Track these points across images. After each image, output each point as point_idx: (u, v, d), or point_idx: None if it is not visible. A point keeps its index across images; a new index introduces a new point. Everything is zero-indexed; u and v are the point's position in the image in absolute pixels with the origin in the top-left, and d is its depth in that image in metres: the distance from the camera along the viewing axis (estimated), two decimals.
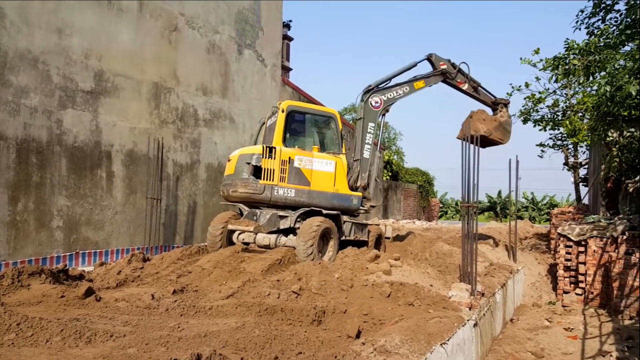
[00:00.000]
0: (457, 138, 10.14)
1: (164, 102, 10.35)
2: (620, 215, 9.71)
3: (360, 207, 8.65)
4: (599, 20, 8.74)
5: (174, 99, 10.58)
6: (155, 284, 5.97)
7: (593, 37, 8.70)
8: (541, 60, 13.38)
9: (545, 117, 14.18)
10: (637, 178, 10.20)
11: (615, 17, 8.60)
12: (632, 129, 10.31)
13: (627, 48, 8.22)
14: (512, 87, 13.58)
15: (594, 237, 9.07)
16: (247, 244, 7.94)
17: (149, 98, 10.00)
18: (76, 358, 3.30)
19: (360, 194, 8.52)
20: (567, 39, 9.49)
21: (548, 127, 14.33)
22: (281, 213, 7.81)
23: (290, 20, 26.14)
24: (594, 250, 9.03)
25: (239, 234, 7.98)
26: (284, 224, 7.80)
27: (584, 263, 9.14)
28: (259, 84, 13.03)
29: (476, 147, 6.51)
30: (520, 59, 13.51)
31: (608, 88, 7.54)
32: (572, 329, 7.71)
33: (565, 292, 9.39)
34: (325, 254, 7.66)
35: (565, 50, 9.62)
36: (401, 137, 37.55)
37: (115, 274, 6.42)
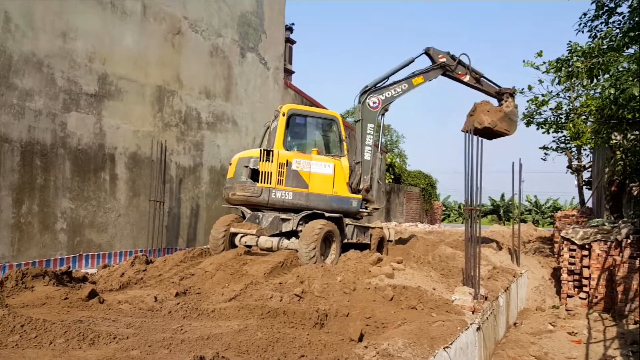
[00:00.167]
0: (462, 131, 10.03)
1: (167, 105, 10.39)
2: (625, 219, 9.67)
3: (361, 210, 8.63)
4: (602, 23, 8.73)
5: (177, 102, 10.62)
6: (158, 287, 5.99)
7: (596, 39, 8.69)
8: (544, 62, 13.40)
9: (549, 119, 14.18)
10: None
11: (619, 20, 8.59)
12: (637, 132, 10.28)
13: (630, 50, 8.21)
14: (515, 90, 13.56)
15: (597, 241, 9.03)
16: (249, 246, 7.95)
17: (152, 101, 10.04)
18: None
19: (360, 196, 8.50)
20: (569, 41, 9.51)
21: (551, 130, 14.32)
22: (283, 216, 7.81)
23: (293, 24, 26.25)
24: (598, 254, 8.98)
25: (242, 236, 7.99)
26: (286, 227, 7.80)
27: (588, 267, 9.09)
28: (262, 87, 13.06)
29: (479, 144, 6.46)
30: (523, 61, 13.53)
31: (612, 90, 7.53)
32: (576, 333, 7.67)
33: (569, 296, 9.34)
34: (327, 257, 7.65)
35: (569, 53, 9.62)
36: (403, 139, 37.49)
37: (119, 276, 6.43)
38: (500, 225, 24.75)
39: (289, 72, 23.89)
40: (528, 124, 14.50)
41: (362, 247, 8.53)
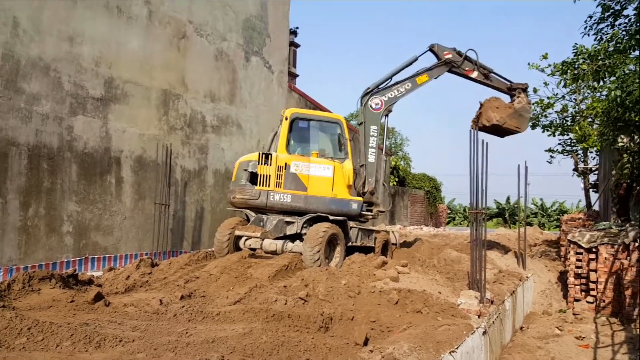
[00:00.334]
0: (471, 128, 9.82)
1: (173, 109, 10.45)
2: (632, 222, 9.59)
3: (365, 213, 8.61)
4: (608, 25, 8.70)
5: (183, 105, 10.67)
6: (163, 289, 6.00)
7: (602, 42, 8.66)
8: (549, 65, 13.33)
9: (554, 122, 14.10)
10: None
11: (625, 23, 8.56)
12: None
13: (637, 53, 8.18)
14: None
15: (605, 244, 8.95)
16: (253, 249, 7.96)
17: (157, 105, 10.10)
18: None
19: (360, 198, 8.44)
20: (575, 43, 9.46)
21: (557, 133, 14.24)
22: (288, 219, 7.82)
23: (297, 27, 26.29)
24: (605, 258, 8.91)
25: (246, 239, 8.00)
26: (290, 230, 7.81)
27: (595, 270, 9.02)
28: (266, 91, 13.10)
29: (485, 146, 6.42)
30: (529, 64, 13.47)
31: (618, 92, 7.49)
32: (584, 337, 7.60)
33: (576, 300, 9.27)
34: (332, 260, 7.64)
35: (574, 55, 9.58)
36: (408, 142, 37.54)
37: (124, 279, 6.46)
38: (505, 228, 24.62)
39: (293, 76, 23.94)
40: (534, 126, 14.43)
41: (366, 250, 8.51)
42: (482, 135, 8.36)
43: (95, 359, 3.38)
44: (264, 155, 7.79)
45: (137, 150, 9.65)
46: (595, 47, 8.77)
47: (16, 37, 7.65)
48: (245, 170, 7.90)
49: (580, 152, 16.55)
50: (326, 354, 3.87)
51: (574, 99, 14.26)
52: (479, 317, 5.52)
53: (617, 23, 8.64)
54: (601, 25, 8.78)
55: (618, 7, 8.44)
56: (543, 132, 13.97)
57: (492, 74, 9.61)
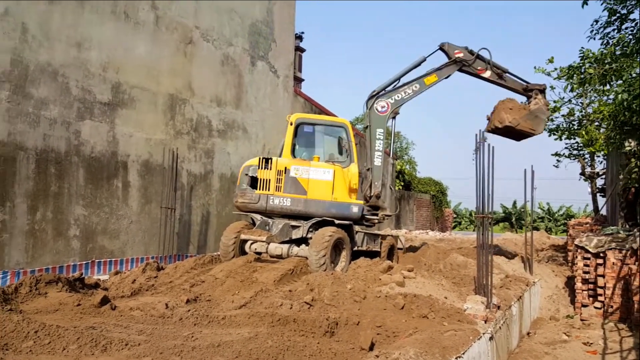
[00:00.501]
0: (485, 130, 9.56)
1: (179, 114, 10.51)
2: None
3: (367, 216, 8.58)
4: (614, 29, 8.66)
5: (189, 110, 10.73)
6: (169, 293, 6.02)
7: (609, 46, 8.61)
8: (555, 69, 13.29)
9: (561, 126, 14.03)
10: None
11: (631, 27, 8.52)
12: None
13: None
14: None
15: (612, 249, 8.88)
16: (259, 253, 7.96)
17: (164, 109, 10.16)
18: None
19: (362, 202, 8.39)
20: (582, 47, 9.41)
21: (564, 137, 14.17)
22: (293, 223, 7.83)
23: (303, 32, 26.42)
24: (613, 263, 8.83)
25: (252, 243, 8.01)
26: (296, 234, 7.81)
27: (603, 276, 8.94)
28: (272, 95, 13.15)
29: (491, 150, 6.38)
30: (535, 67, 13.43)
31: (625, 96, 7.44)
32: (592, 343, 7.53)
33: (584, 306, 9.18)
34: (337, 265, 7.63)
35: (581, 59, 9.53)
36: (414, 146, 37.53)
37: (130, 282, 6.48)
38: (512, 233, 24.50)
39: (298, 80, 24.05)
40: None
41: (372, 254, 8.49)
42: (489, 139, 8.28)
43: None
44: (264, 159, 7.99)
45: (143, 155, 9.70)
46: (602, 51, 8.73)
47: (25, 43, 7.74)
48: (247, 174, 8.11)
49: (587, 156, 16.45)
50: (332, 358, 3.86)
51: (580, 102, 14.19)
52: (485, 322, 5.48)
53: (623, 27, 8.59)
54: (607, 30, 8.74)
55: (624, 11, 8.40)
56: (549, 135, 13.90)
57: (507, 74, 9.25)
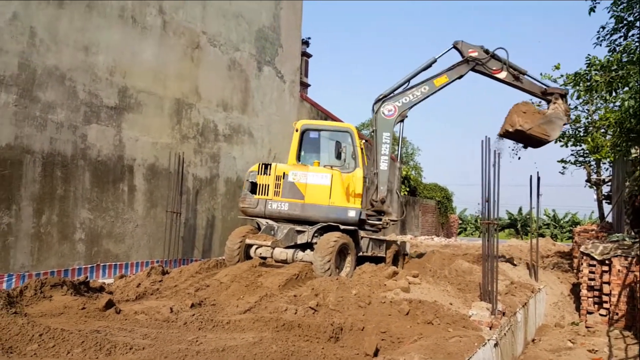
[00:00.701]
0: (498, 135, 9.02)
1: (186, 118, 10.56)
2: None
3: (375, 222, 8.57)
4: (621, 37, 8.63)
5: (195, 114, 10.78)
6: (173, 297, 6.02)
7: (615, 53, 8.58)
8: (562, 75, 13.27)
9: (567, 133, 13.98)
10: None
11: (638, 34, 8.48)
12: None
13: None
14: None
15: (618, 256, 8.81)
16: (264, 258, 7.97)
17: (171, 114, 10.21)
18: None
19: (359, 206, 8.37)
20: (588, 54, 9.38)
21: (570, 144, 14.12)
22: (299, 228, 7.84)
23: (309, 38, 26.56)
24: (619, 270, 8.76)
25: (257, 248, 8.02)
26: (301, 239, 7.82)
27: (608, 283, 8.87)
28: (278, 100, 13.19)
29: (497, 156, 6.35)
30: (541, 74, 13.40)
31: (632, 103, 7.41)
32: (597, 350, 7.47)
33: (589, 313, 9.11)
34: (342, 270, 7.62)
35: (587, 66, 9.50)
36: (419, 152, 37.38)
37: (135, 286, 6.50)
38: (517, 239, 24.36)
39: (304, 85, 24.13)
40: None
41: (377, 260, 8.47)
42: (496, 145, 8.20)
43: None
44: (263, 165, 8.22)
45: (149, 159, 9.75)
46: (608, 58, 8.69)
47: (33, 47, 7.81)
48: (248, 180, 8.37)
49: (593, 163, 16.38)
50: None
51: (586, 109, 14.15)
52: (490, 328, 5.45)
53: (630, 34, 8.56)
54: (614, 36, 8.71)
55: (631, 19, 8.37)
56: (555, 142, 13.84)
57: (524, 77, 8.84)
